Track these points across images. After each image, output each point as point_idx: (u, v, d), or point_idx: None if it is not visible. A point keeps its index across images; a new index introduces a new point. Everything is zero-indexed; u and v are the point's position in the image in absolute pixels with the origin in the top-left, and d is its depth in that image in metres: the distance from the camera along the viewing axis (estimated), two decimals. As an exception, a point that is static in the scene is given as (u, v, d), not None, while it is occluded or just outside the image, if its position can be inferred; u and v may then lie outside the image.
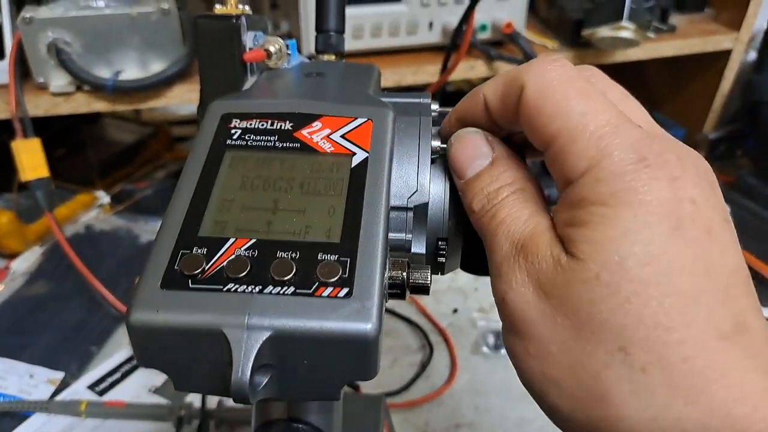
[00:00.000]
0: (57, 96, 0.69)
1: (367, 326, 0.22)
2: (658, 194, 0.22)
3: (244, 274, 0.23)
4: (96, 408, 0.57)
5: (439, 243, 0.31)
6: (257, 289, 0.23)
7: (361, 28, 0.72)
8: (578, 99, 0.24)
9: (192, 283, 0.23)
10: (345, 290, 0.23)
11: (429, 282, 0.26)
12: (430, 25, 0.74)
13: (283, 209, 0.25)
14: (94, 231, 0.83)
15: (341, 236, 0.24)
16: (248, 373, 0.21)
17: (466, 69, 0.76)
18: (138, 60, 0.70)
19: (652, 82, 1.07)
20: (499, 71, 0.78)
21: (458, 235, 0.31)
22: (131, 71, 0.70)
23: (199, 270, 0.23)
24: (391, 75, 0.75)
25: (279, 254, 0.24)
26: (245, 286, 0.23)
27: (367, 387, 0.60)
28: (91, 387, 0.61)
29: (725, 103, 0.98)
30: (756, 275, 0.71)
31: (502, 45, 0.78)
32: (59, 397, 0.59)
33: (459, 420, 0.59)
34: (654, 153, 0.23)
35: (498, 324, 0.68)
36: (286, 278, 0.23)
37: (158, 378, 0.62)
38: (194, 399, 0.59)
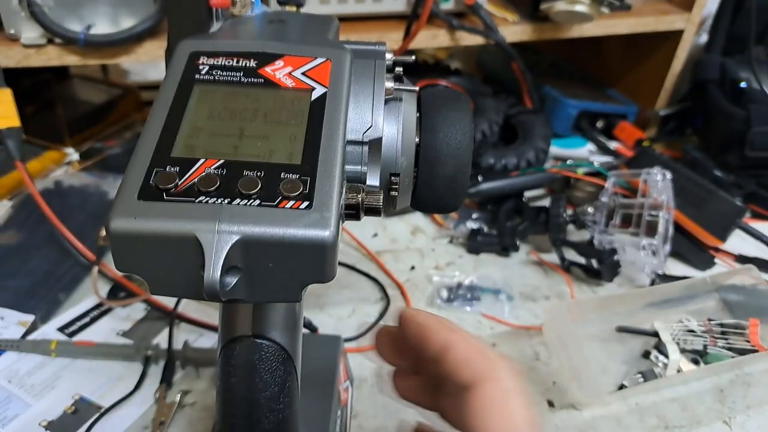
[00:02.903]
0: (28, 48, 0.70)
1: (326, 233, 0.24)
2: None
3: (214, 188, 0.25)
4: (66, 347, 0.59)
5: (392, 178, 0.33)
6: (226, 200, 0.25)
7: (329, -7, 0.74)
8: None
9: (166, 195, 0.25)
10: (306, 203, 0.25)
11: (381, 204, 0.29)
12: (396, -7, 0.77)
13: (248, 135, 0.27)
14: (63, 186, 0.84)
15: (302, 159, 0.26)
16: (218, 273, 0.23)
17: (429, 38, 0.79)
18: (109, 15, 0.71)
19: (608, 58, 1.11)
20: (460, 41, 0.80)
21: (408, 172, 0.34)
22: (102, 26, 0.71)
23: (173, 185, 0.25)
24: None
25: (245, 172, 0.26)
26: (215, 198, 0.25)
27: (325, 332, 0.64)
28: (61, 329, 0.63)
29: (677, 82, 1.02)
30: (693, 239, 0.77)
31: (464, 16, 0.81)
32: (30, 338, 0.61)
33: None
34: None
35: (450, 279, 0.72)
36: (252, 192, 0.25)
37: (126, 322, 0.64)
38: (161, 340, 0.61)
